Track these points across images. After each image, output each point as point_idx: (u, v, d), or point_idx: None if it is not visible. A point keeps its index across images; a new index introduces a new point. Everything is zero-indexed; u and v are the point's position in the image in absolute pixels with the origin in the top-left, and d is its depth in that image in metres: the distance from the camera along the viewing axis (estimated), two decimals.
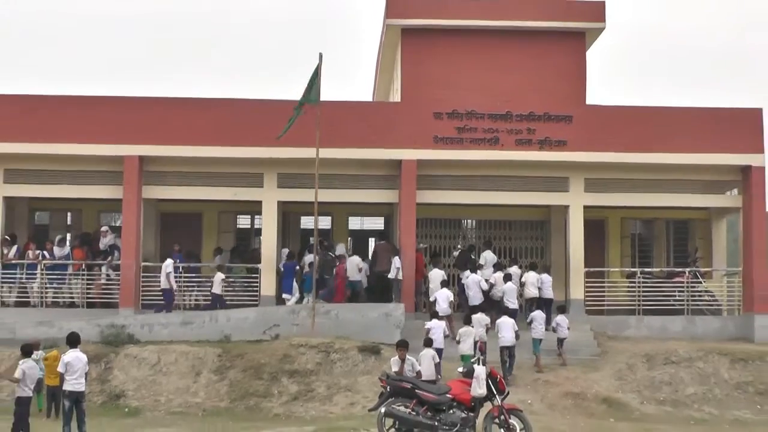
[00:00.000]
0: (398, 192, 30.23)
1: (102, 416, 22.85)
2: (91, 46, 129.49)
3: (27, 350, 19.53)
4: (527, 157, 30.05)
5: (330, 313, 27.82)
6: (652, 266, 33.33)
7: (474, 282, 28.64)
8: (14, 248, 30.25)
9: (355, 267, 29.90)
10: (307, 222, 33.50)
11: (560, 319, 27.32)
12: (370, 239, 35.48)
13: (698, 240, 34.35)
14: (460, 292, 29.51)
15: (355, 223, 35.73)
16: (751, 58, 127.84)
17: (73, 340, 18.50)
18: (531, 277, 29.20)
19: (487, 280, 28.84)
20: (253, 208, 32.16)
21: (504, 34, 30.91)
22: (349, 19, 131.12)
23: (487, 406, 18.50)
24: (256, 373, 25.41)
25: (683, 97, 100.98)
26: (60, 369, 18.37)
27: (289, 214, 33.38)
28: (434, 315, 26.70)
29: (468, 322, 25.33)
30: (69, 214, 35.16)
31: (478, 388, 18.22)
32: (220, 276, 29.37)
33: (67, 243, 31.01)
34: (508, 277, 28.66)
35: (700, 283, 31.56)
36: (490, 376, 18.41)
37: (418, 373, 20.21)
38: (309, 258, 29.52)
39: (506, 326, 25.86)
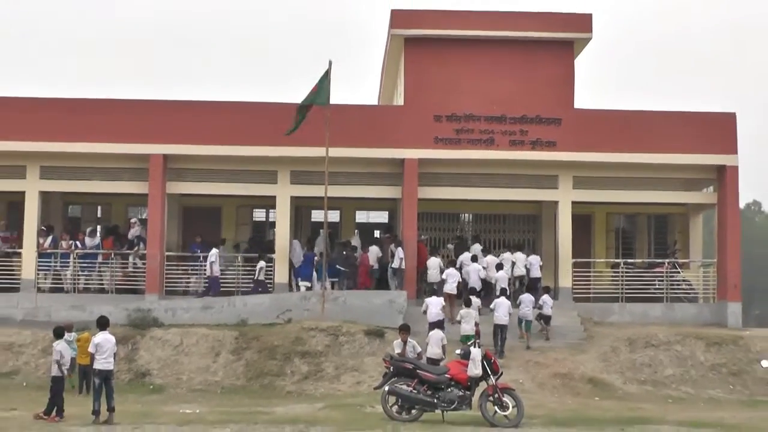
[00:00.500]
0: (401, 188, 30.23)
1: (129, 393, 22.92)
2: (123, 54, 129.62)
3: (59, 332, 19.63)
4: (520, 157, 30.07)
5: (338, 300, 27.87)
6: (635, 257, 33.39)
7: (474, 270, 28.87)
8: (50, 238, 30.27)
9: (374, 257, 29.93)
10: (317, 215, 33.47)
11: (545, 298, 27.70)
12: (375, 231, 35.46)
13: (677, 233, 34.39)
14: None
15: (361, 216, 35.70)
16: (729, 63, 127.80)
17: (102, 323, 18.56)
18: (520, 257, 29.86)
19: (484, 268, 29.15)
20: (268, 203, 32.18)
21: (499, 44, 30.84)
22: (357, 30, 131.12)
23: (483, 386, 18.48)
24: (270, 354, 25.43)
25: (665, 102, 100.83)
26: (90, 349, 18.43)
27: (300, 208, 33.36)
28: (432, 293, 27.43)
29: (468, 304, 25.54)
30: (99, 207, 35.14)
31: (474, 369, 18.23)
32: (262, 264, 29.35)
33: (98, 234, 31.06)
34: (500, 266, 28.92)
35: (678, 273, 31.57)
36: (485, 357, 18.41)
37: (419, 355, 20.28)
38: (320, 248, 29.60)
39: (502, 306, 26.35)
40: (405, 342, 20.24)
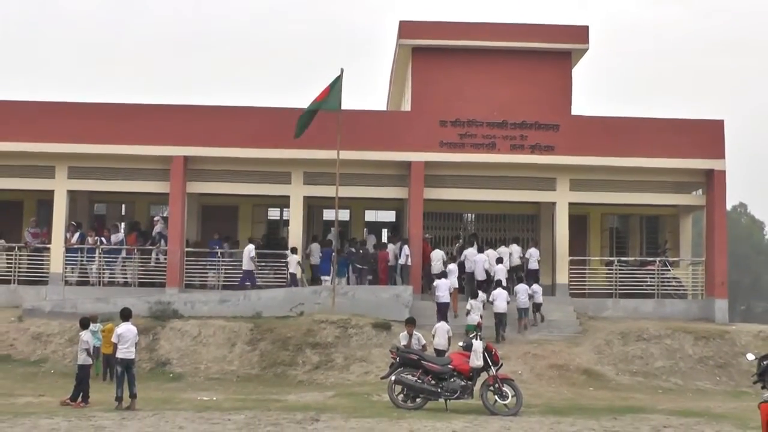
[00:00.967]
0: (408, 189, 30.17)
1: (150, 381, 22.89)
2: (140, 62, 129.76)
3: (84, 323, 19.63)
4: (520, 160, 29.99)
5: (347, 294, 27.81)
6: (628, 255, 33.29)
7: (481, 261, 29.05)
8: (77, 234, 30.29)
9: (392, 254, 29.89)
10: (328, 214, 33.44)
11: (536, 287, 28.09)
12: (383, 230, 35.42)
13: (667, 233, 34.29)
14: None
15: (370, 215, 35.63)
16: (719, 74, 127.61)
17: (125, 314, 18.56)
18: (515, 248, 30.21)
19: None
20: (282, 202, 32.14)
21: (501, 54, 30.74)
22: (367, 40, 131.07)
23: (484, 376, 18.48)
24: (283, 345, 25.38)
25: (656, 109, 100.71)
26: (113, 339, 18.44)
27: (313, 207, 33.31)
28: (441, 275, 27.72)
29: (475, 296, 25.94)
30: (123, 205, 35.14)
31: (476, 360, 18.21)
32: (295, 258, 29.29)
33: (121, 230, 31.06)
34: (499, 260, 28.99)
35: (669, 270, 31.51)
36: (487, 349, 18.40)
37: (424, 347, 20.27)
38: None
39: (501, 297, 26.80)
40: (410, 334, 20.26)
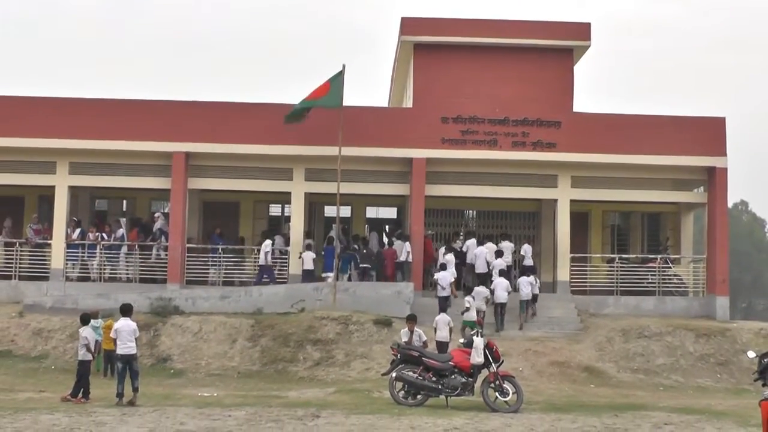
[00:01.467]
0: (409, 186, 30.13)
1: (151, 376, 22.87)
2: (142, 58, 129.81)
3: (85, 319, 19.63)
4: (521, 157, 29.95)
5: (349, 290, 27.81)
6: (629, 253, 33.21)
7: (482, 253, 29.13)
8: (78, 230, 30.28)
9: (402, 251, 29.87)
10: (330, 210, 33.41)
11: (531, 279, 28.20)
12: (385, 226, 35.40)
13: (669, 231, 34.25)
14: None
15: (371, 212, 35.62)
16: (719, 71, 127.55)
17: (124, 310, 18.56)
18: (506, 245, 30.21)
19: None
20: (284, 198, 32.10)
21: (503, 50, 30.69)
22: (369, 37, 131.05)
23: (485, 373, 18.46)
24: (284, 342, 25.38)
25: (658, 106, 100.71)
26: (112, 335, 18.48)
27: (314, 203, 33.29)
28: (442, 268, 27.92)
29: (469, 292, 26.22)
30: (124, 201, 35.12)
31: (477, 357, 18.19)
32: (310, 255, 29.23)
33: (122, 226, 31.07)
34: (499, 254, 29.23)
35: (670, 268, 31.47)
36: (487, 346, 18.39)
37: (425, 343, 20.29)
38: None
39: (501, 286, 27.13)
40: (412, 331, 20.29)
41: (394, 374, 18.59)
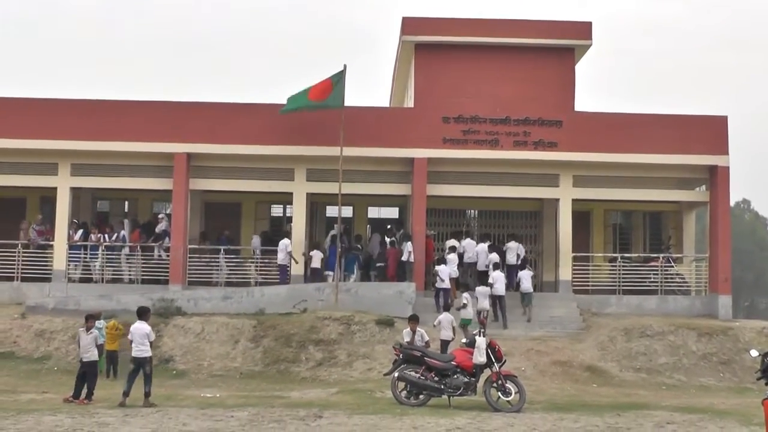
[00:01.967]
0: (411, 185, 30.13)
1: (153, 377, 22.78)
2: (145, 59, 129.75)
3: (96, 317, 19.68)
4: (523, 157, 29.95)
5: (351, 290, 27.83)
6: (631, 252, 33.24)
7: (483, 251, 29.32)
8: (80, 232, 30.30)
9: (406, 251, 29.94)
10: (331, 211, 33.42)
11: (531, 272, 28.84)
12: (387, 226, 35.37)
13: (671, 229, 34.25)
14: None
15: (373, 212, 35.63)
16: (721, 71, 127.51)
17: (141, 313, 18.62)
18: (512, 245, 30.29)
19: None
20: (285, 199, 32.15)
21: (504, 50, 30.69)
22: (370, 37, 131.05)
23: (487, 373, 18.47)
24: (286, 342, 25.38)
25: (660, 105, 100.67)
26: (129, 337, 18.47)
27: (316, 204, 33.31)
28: (441, 261, 28.20)
29: (467, 289, 26.55)
30: (126, 202, 35.14)
31: (479, 357, 18.20)
32: (319, 254, 29.26)
33: (124, 227, 31.09)
34: (495, 249, 29.55)
35: (672, 267, 31.45)
36: (490, 346, 18.39)
37: (427, 343, 20.26)
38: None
39: (500, 279, 27.42)
40: (414, 331, 20.29)
41: (396, 374, 18.60)
